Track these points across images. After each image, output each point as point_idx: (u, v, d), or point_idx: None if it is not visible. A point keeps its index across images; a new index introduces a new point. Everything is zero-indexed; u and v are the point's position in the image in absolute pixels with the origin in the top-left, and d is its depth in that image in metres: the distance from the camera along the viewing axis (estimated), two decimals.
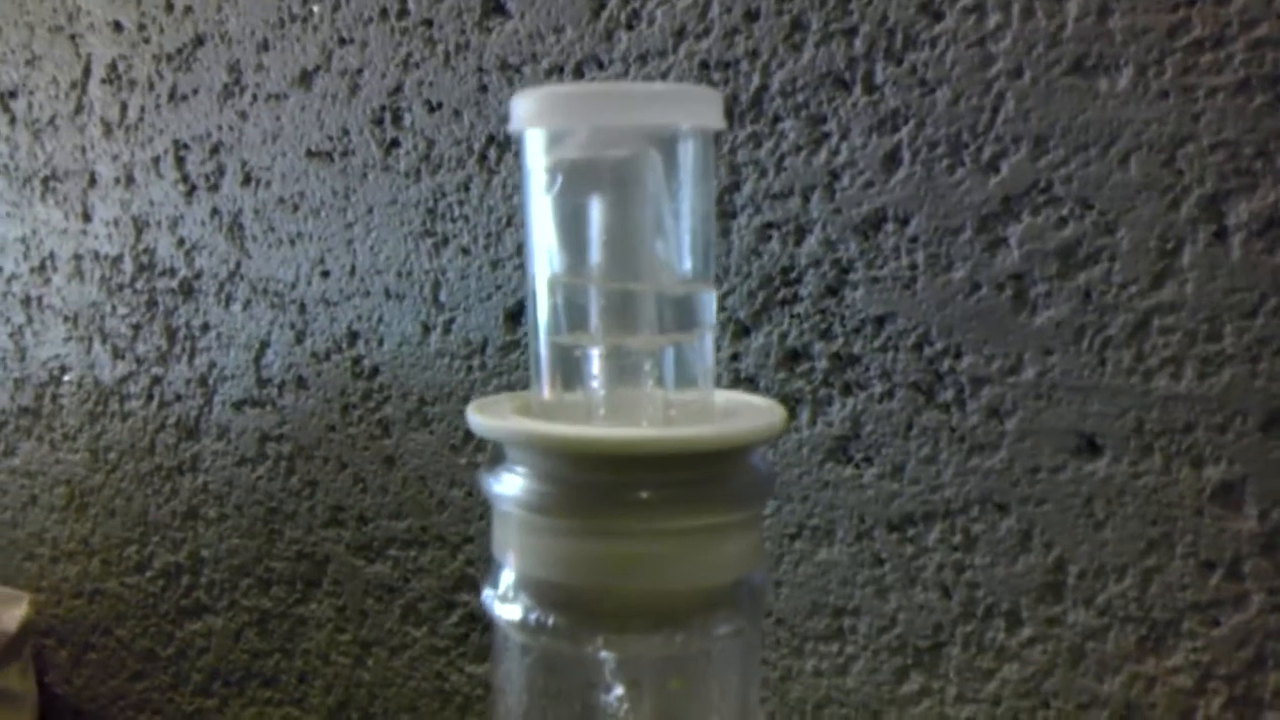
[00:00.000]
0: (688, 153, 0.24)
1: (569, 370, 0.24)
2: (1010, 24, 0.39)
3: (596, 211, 0.24)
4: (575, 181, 0.23)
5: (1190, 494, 0.39)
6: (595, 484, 0.21)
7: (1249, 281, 0.37)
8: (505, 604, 0.22)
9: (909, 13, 0.41)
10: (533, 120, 0.23)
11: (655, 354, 0.24)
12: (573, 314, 0.24)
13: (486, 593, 0.23)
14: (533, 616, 0.22)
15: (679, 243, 0.24)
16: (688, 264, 0.24)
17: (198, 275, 0.60)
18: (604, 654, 0.22)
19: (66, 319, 0.66)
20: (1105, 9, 0.38)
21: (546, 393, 0.25)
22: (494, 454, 0.23)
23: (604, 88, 0.27)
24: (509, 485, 0.22)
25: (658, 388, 0.24)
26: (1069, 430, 0.40)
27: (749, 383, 0.45)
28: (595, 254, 0.24)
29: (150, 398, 0.63)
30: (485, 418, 0.23)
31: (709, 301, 0.25)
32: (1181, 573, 0.39)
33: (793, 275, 0.44)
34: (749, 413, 0.24)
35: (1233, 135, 0.37)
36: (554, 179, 0.23)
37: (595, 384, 0.24)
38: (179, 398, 0.62)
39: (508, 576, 0.22)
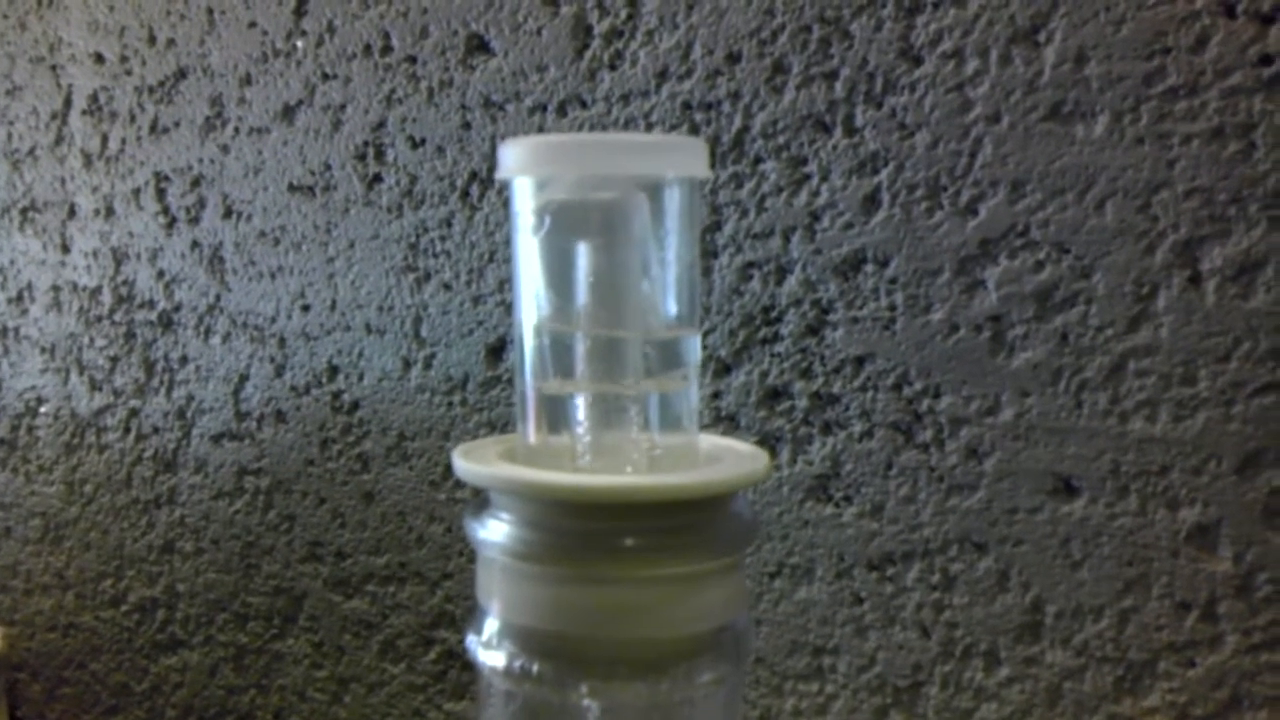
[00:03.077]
0: (673, 201, 0.24)
1: (554, 414, 0.25)
2: (988, 70, 0.40)
3: (583, 254, 0.24)
4: (563, 224, 0.23)
5: (1166, 535, 0.39)
6: (581, 531, 0.22)
7: (1223, 326, 0.38)
8: (489, 651, 0.22)
9: (889, 58, 0.41)
10: (521, 169, 0.23)
11: (640, 399, 0.24)
12: (558, 358, 0.24)
13: (470, 639, 0.23)
14: (517, 664, 0.22)
15: (664, 289, 0.24)
16: (673, 309, 0.25)
17: (177, 308, 0.60)
18: (588, 702, 0.22)
19: (43, 350, 0.66)
20: (1082, 56, 0.39)
21: (532, 436, 0.25)
22: (479, 499, 0.23)
23: (591, 138, 0.27)
24: (494, 531, 0.22)
25: (643, 432, 0.24)
26: (1046, 471, 0.40)
27: (729, 421, 0.45)
28: (581, 297, 0.24)
29: (127, 430, 0.63)
30: (471, 463, 0.23)
31: (694, 346, 0.25)
32: (1158, 614, 0.40)
33: (773, 315, 0.44)
34: (733, 458, 0.24)
35: (1207, 182, 0.37)
36: (542, 221, 0.23)
37: (581, 429, 0.24)
38: (156, 430, 0.62)
39: (491, 623, 0.22)
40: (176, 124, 0.59)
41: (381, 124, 0.53)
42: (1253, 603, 0.38)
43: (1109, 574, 0.40)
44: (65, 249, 0.64)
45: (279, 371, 0.57)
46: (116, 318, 0.63)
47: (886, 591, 0.43)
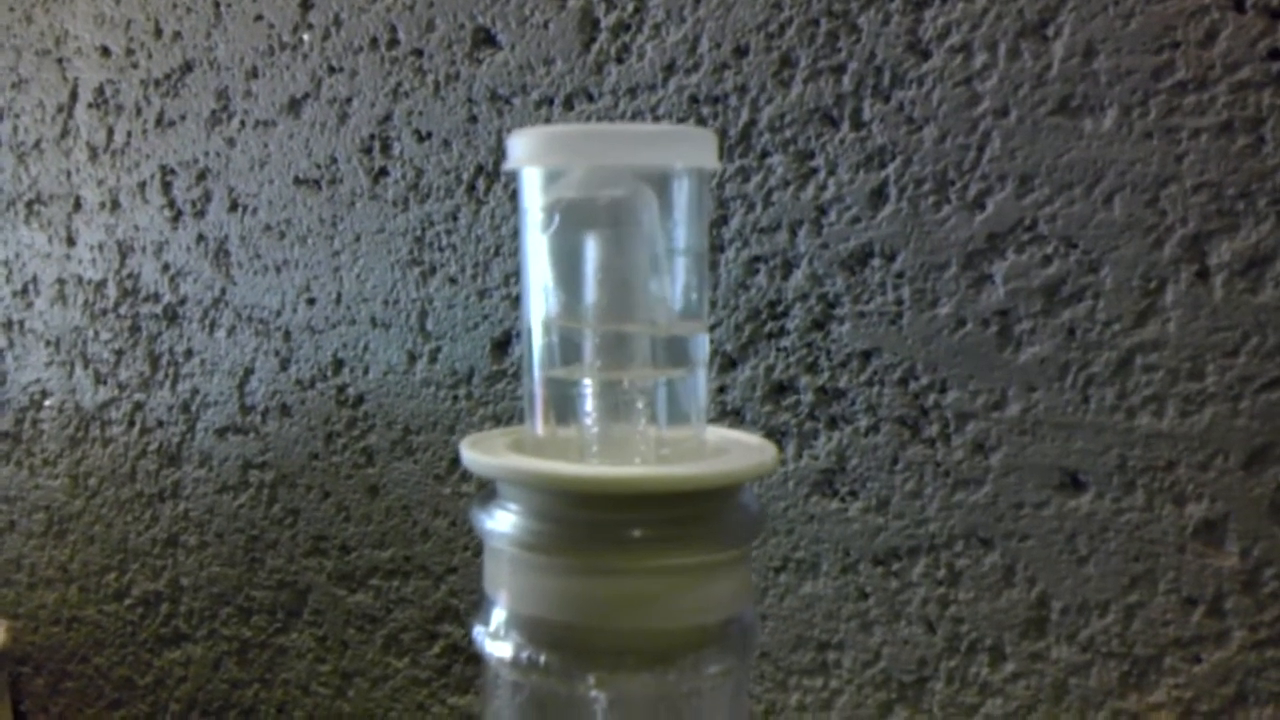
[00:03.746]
0: (682, 192, 0.24)
1: (562, 406, 0.25)
2: (996, 64, 0.40)
3: (592, 250, 0.24)
4: (572, 221, 0.23)
5: (1173, 531, 0.39)
6: (589, 522, 0.21)
7: (1231, 321, 0.38)
8: (496, 641, 0.22)
9: (897, 51, 0.41)
10: (529, 159, 0.23)
11: (648, 391, 0.24)
12: (567, 352, 0.24)
13: (477, 630, 0.23)
14: (524, 654, 0.22)
15: (673, 282, 0.24)
16: (681, 303, 0.24)
17: (182, 301, 0.60)
18: (595, 693, 0.22)
19: (48, 343, 0.66)
20: (1090, 50, 0.38)
21: (540, 428, 0.25)
22: (486, 490, 0.23)
23: (600, 128, 0.27)
24: (501, 522, 0.22)
25: (650, 425, 0.24)
26: (1053, 466, 0.40)
27: (735, 415, 0.45)
28: (590, 293, 0.24)
29: (132, 424, 0.63)
30: (479, 454, 0.23)
31: (701, 340, 0.25)
32: (1164, 609, 0.39)
33: (780, 309, 0.44)
34: (740, 450, 0.24)
35: (1215, 176, 0.37)
36: (551, 218, 0.23)
37: (589, 420, 0.24)
38: (161, 424, 0.62)
39: (499, 614, 0.22)
40: (182, 117, 0.59)
41: (388, 117, 0.53)
42: (1259, 598, 0.38)
43: (1115, 569, 0.40)
44: (70, 242, 0.64)
45: (284, 365, 0.57)
46: (121, 311, 0.63)
47: (892, 586, 0.43)
